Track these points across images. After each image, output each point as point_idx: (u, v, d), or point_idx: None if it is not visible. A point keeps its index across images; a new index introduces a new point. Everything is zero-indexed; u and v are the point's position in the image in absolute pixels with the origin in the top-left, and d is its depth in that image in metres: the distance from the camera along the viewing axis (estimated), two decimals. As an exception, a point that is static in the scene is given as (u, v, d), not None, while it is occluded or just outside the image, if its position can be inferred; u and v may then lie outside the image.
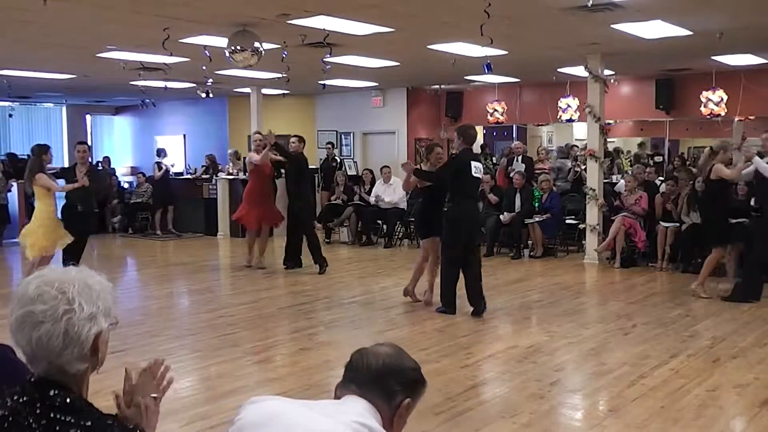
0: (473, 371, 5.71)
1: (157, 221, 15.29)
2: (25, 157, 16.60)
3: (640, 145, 15.95)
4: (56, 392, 1.57)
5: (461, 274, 7.59)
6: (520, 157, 13.02)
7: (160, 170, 15.52)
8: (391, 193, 13.15)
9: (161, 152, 16.11)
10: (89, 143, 18.92)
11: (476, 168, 7.59)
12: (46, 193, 8.38)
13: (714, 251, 8.38)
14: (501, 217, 11.68)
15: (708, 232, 8.53)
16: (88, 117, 19.20)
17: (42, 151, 8.50)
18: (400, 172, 14.70)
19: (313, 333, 6.92)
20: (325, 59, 9.21)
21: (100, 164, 16.71)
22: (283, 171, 10.72)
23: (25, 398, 1.57)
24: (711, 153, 8.28)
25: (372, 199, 13.16)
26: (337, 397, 1.94)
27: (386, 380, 1.90)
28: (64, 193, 8.78)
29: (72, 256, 8.47)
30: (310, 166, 15.20)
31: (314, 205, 10.75)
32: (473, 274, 7.58)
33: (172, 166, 16.23)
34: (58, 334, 1.55)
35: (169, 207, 15.33)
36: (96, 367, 1.66)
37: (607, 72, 11.28)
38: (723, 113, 12.63)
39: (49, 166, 8.76)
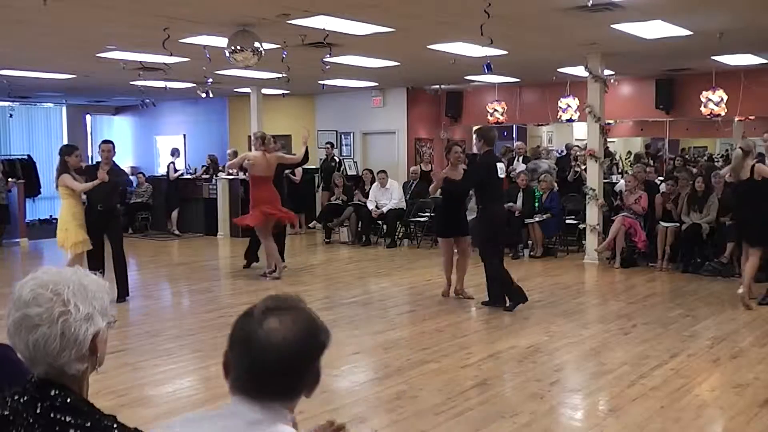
0: (473, 371, 5.71)
1: (174, 220, 15.29)
2: (25, 157, 16.72)
3: (682, 150, 15.75)
4: (57, 392, 1.57)
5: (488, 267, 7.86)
6: (521, 158, 13.00)
7: (175, 171, 15.54)
8: (388, 197, 13.14)
9: (175, 152, 16.10)
10: (85, 143, 18.95)
11: (501, 169, 7.90)
12: (70, 193, 8.13)
13: (757, 252, 7.93)
14: (510, 205, 11.58)
15: (755, 232, 7.96)
16: (88, 117, 19.20)
17: (67, 151, 8.24)
18: (399, 176, 14.73)
19: (313, 333, 6.90)
20: (325, 59, 9.21)
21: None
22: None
23: (25, 398, 1.57)
24: (744, 153, 7.84)
25: (371, 206, 13.13)
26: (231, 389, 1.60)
27: (293, 380, 1.59)
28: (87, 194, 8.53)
29: (96, 260, 8.15)
30: (309, 166, 15.23)
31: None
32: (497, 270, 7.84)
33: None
34: (55, 337, 1.55)
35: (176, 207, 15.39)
36: (96, 367, 1.66)
37: (607, 72, 11.28)
38: (723, 113, 12.63)
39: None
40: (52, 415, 1.54)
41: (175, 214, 15.33)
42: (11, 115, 17.44)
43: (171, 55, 9.12)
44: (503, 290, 7.81)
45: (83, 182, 8.18)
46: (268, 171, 9.69)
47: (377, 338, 6.79)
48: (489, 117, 14.77)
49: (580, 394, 5.25)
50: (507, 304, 7.76)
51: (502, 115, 14.68)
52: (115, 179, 8.38)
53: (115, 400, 4.88)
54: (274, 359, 1.53)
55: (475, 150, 8.56)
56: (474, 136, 8.19)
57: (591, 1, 6.96)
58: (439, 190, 8.44)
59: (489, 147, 7.86)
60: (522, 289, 7.85)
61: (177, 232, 15.10)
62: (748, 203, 7.94)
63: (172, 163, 15.73)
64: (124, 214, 15.86)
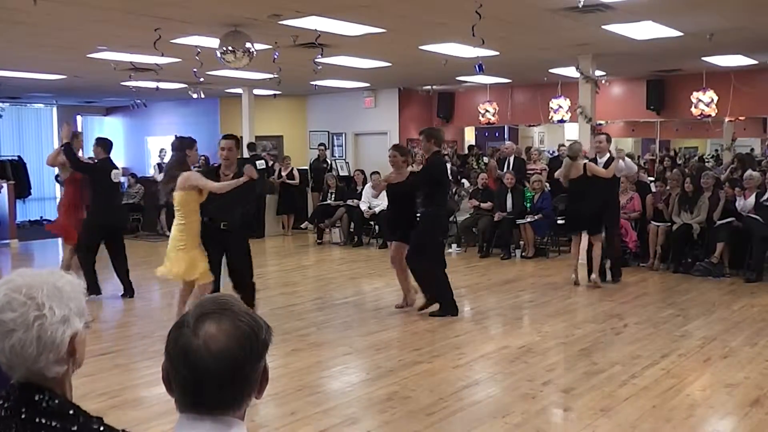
0: (465, 371, 5.71)
1: (163, 221, 15.24)
2: (15, 158, 16.62)
3: (666, 149, 15.81)
4: (41, 397, 1.55)
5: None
6: (511, 158, 13.00)
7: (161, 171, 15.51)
8: (382, 197, 13.11)
9: (163, 152, 16.06)
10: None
11: (449, 170, 7.70)
12: (194, 201, 6.24)
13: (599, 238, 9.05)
14: (495, 216, 11.67)
15: (593, 221, 8.99)
16: (78, 118, 19.14)
17: (189, 144, 6.45)
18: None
19: (306, 334, 6.91)
20: (316, 60, 9.21)
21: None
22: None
23: (8, 404, 1.55)
24: (572, 159, 8.96)
25: (364, 207, 13.13)
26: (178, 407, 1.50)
27: (242, 386, 1.46)
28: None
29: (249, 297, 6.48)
30: (299, 168, 15.23)
31: (119, 220, 9.03)
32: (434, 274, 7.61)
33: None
34: (32, 341, 1.52)
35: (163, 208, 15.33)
36: (75, 368, 1.64)
37: (598, 73, 11.32)
38: (713, 114, 12.69)
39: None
40: (37, 420, 1.52)
41: (164, 214, 15.27)
42: (1, 116, 17.36)
43: (162, 55, 9.10)
44: (442, 294, 7.48)
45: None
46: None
47: (369, 339, 6.78)
48: (480, 118, 14.80)
49: (571, 394, 5.25)
50: (438, 310, 7.51)
51: (493, 115, 14.71)
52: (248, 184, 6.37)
53: (107, 401, 4.86)
54: (218, 369, 1.40)
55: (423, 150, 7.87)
56: (421, 136, 7.72)
57: (582, 2, 6.98)
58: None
59: (438, 148, 7.59)
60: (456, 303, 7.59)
61: (168, 233, 15.03)
62: (584, 197, 8.91)
63: (159, 164, 15.71)
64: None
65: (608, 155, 9.25)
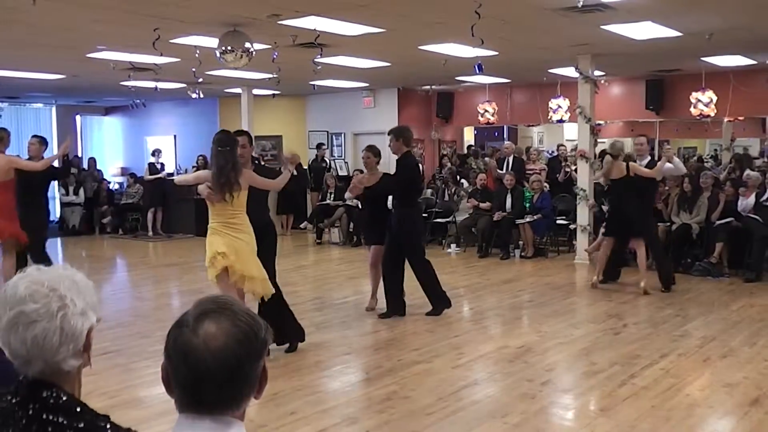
0: (465, 371, 5.72)
1: (149, 220, 15.25)
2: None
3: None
4: (49, 393, 1.56)
5: (403, 276, 7.59)
6: (510, 158, 13.01)
7: (158, 171, 15.50)
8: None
9: (156, 152, 16.07)
10: (75, 144, 18.79)
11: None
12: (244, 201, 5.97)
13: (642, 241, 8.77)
14: (494, 216, 11.69)
15: (637, 224, 8.68)
16: (78, 117, 19.12)
17: (235, 141, 5.95)
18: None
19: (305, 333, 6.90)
20: (316, 60, 9.20)
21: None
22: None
23: (17, 399, 1.56)
24: (614, 158, 8.67)
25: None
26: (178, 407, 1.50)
27: (240, 386, 1.46)
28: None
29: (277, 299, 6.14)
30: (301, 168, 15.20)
31: (43, 222, 8.77)
32: (430, 272, 7.60)
33: (163, 166, 16.20)
34: (55, 331, 1.55)
35: (158, 208, 15.32)
36: (87, 364, 1.65)
37: (597, 73, 11.31)
38: (712, 114, 12.68)
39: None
40: (44, 416, 1.54)
41: (150, 215, 15.25)
42: (0, 116, 17.34)
43: (161, 55, 9.09)
44: (397, 295, 7.48)
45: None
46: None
47: (368, 339, 6.79)
48: (480, 118, 14.79)
49: (571, 394, 5.26)
50: (432, 309, 7.57)
51: (492, 115, 14.69)
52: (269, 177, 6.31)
53: (107, 401, 4.87)
54: (217, 368, 1.41)
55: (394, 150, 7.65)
56: (389, 136, 7.62)
57: (581, 2, 6.98)
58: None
59: (408, 147, 7.52)
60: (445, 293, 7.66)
61: (151, 233, 15.04)
62: (626, 199, 8.62)
63: (152, 164, 15.70)
64: (113, 214, 15.88)
65: (648, 158, 9.07)
